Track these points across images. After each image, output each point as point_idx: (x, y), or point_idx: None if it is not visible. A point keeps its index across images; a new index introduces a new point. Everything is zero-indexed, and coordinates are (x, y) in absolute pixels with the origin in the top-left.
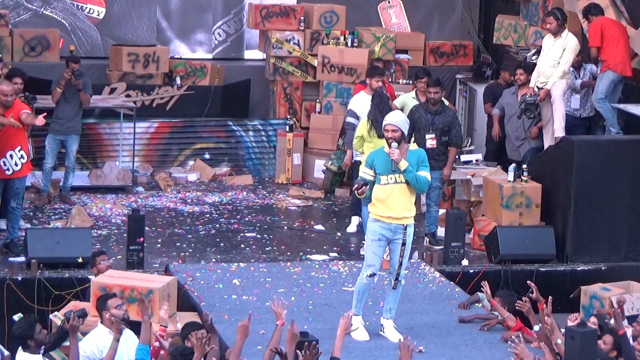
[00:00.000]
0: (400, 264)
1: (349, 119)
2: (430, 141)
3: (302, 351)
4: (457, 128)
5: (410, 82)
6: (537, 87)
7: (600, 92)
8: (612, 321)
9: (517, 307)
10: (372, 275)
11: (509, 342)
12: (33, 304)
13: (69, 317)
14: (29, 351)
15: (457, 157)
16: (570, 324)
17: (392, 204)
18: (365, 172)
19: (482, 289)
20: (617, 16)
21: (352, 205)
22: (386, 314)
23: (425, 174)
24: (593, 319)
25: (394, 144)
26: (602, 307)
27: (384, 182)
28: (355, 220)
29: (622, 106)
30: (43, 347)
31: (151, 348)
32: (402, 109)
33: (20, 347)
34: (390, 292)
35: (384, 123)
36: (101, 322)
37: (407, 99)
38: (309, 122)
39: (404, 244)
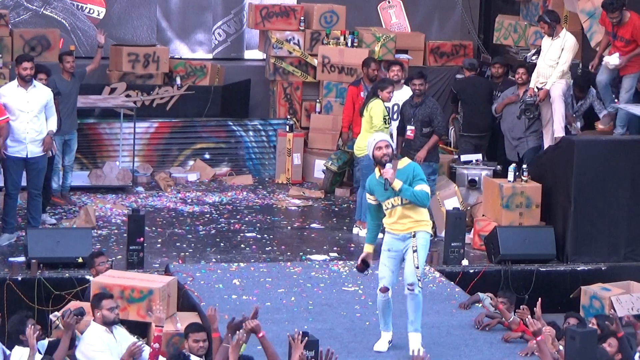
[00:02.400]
0: (416, 268)
1: None
2: (409, 132)
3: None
4: (438, 118)
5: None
6: (537, 87)
7: (632, 88)
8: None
9: (517, 315)
10: (385, 290)
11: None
12: (33, 304)
13: (65, 315)
14: (23, 346)
15: (458, 156)
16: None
17: (398, 223)
18: (369, 198)
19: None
20: None
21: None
22: (409, 327)
23: (422, 187)
24: (593, 320)
25: (389, 165)
26: (602, 307)
27: (385, 207)
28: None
29: (622, 106)
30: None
31: (151, 350)
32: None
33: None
34: (408, 303)
35: (374, 142)
36: (93, 320)
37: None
38: (309, 122)
39: (414, 251)
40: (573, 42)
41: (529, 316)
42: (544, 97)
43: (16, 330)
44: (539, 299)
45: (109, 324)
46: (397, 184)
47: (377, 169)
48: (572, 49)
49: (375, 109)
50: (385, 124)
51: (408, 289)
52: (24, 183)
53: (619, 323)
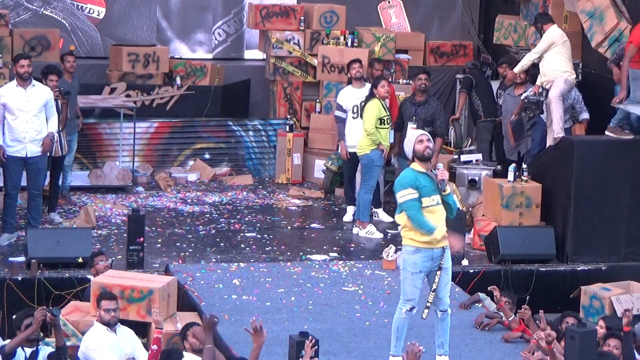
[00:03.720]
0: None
1: (337, 112)
2: (411, 130)
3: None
4: (441, 119)
5: (410, 82)
6: (542, 86)
7: None
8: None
9: (518, 316)
10: (412, 309)
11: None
12: (33, 304)
13: (38, 309)
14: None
15: (458, 156)
16: None
17: (438, 230)
18: (410, 194)
19: (492, 292)
20: (617, 16)
21: (346, 195)
22: (438, 350)
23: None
24: (601, 322)
25: (439, 164)
26: (602, 307)
27: (426, 204)
28: (350, 209)
29: (622, 106)
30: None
31: (150, 352)
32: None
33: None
34: (438, 325)
35: (414, 136)
36: (96, 320)
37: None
38: (309, 122)
39: (444, 269)
40: (551, 34)
41: (538, 326)
42: (512, 76)
43: (15, 326)
44: (541, 311)
45: (105, 324)
46: (449, 187)
47: (416, 164)
48: (547, 39)
49: (368, 111)
50: (383, 124)
51: (441, 310)
52: (23, 183)
53: (630, 318)
